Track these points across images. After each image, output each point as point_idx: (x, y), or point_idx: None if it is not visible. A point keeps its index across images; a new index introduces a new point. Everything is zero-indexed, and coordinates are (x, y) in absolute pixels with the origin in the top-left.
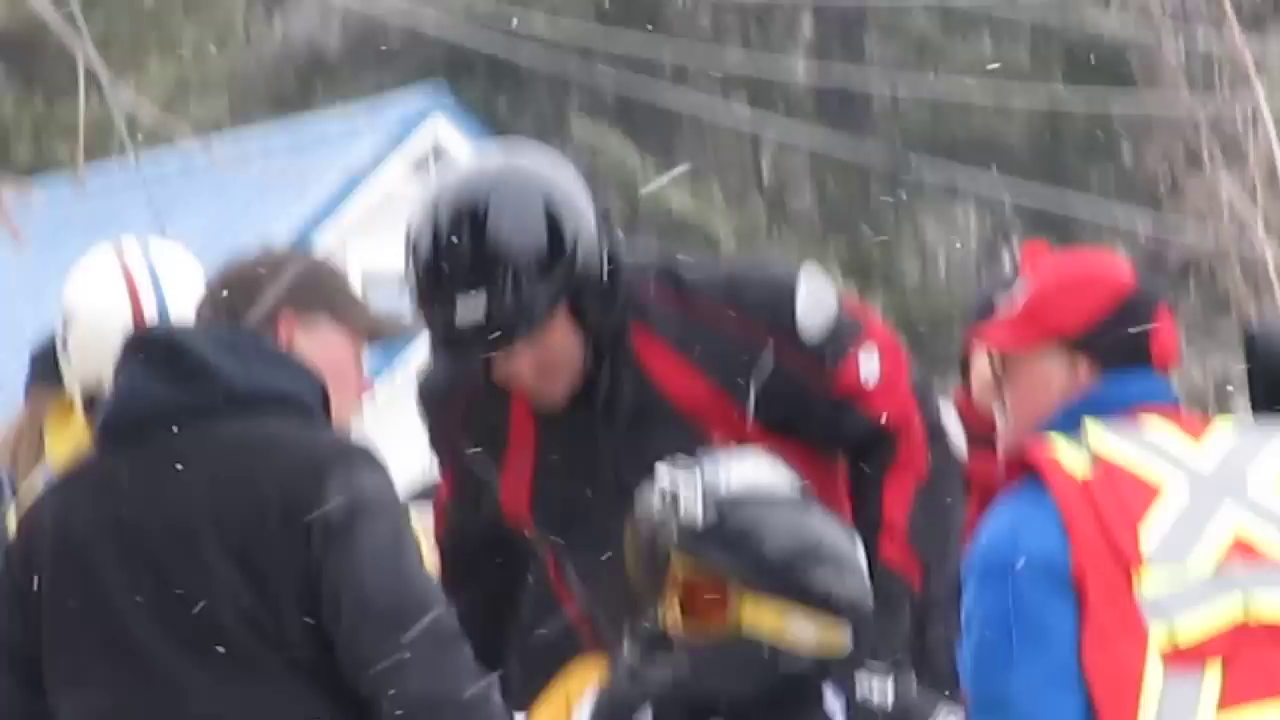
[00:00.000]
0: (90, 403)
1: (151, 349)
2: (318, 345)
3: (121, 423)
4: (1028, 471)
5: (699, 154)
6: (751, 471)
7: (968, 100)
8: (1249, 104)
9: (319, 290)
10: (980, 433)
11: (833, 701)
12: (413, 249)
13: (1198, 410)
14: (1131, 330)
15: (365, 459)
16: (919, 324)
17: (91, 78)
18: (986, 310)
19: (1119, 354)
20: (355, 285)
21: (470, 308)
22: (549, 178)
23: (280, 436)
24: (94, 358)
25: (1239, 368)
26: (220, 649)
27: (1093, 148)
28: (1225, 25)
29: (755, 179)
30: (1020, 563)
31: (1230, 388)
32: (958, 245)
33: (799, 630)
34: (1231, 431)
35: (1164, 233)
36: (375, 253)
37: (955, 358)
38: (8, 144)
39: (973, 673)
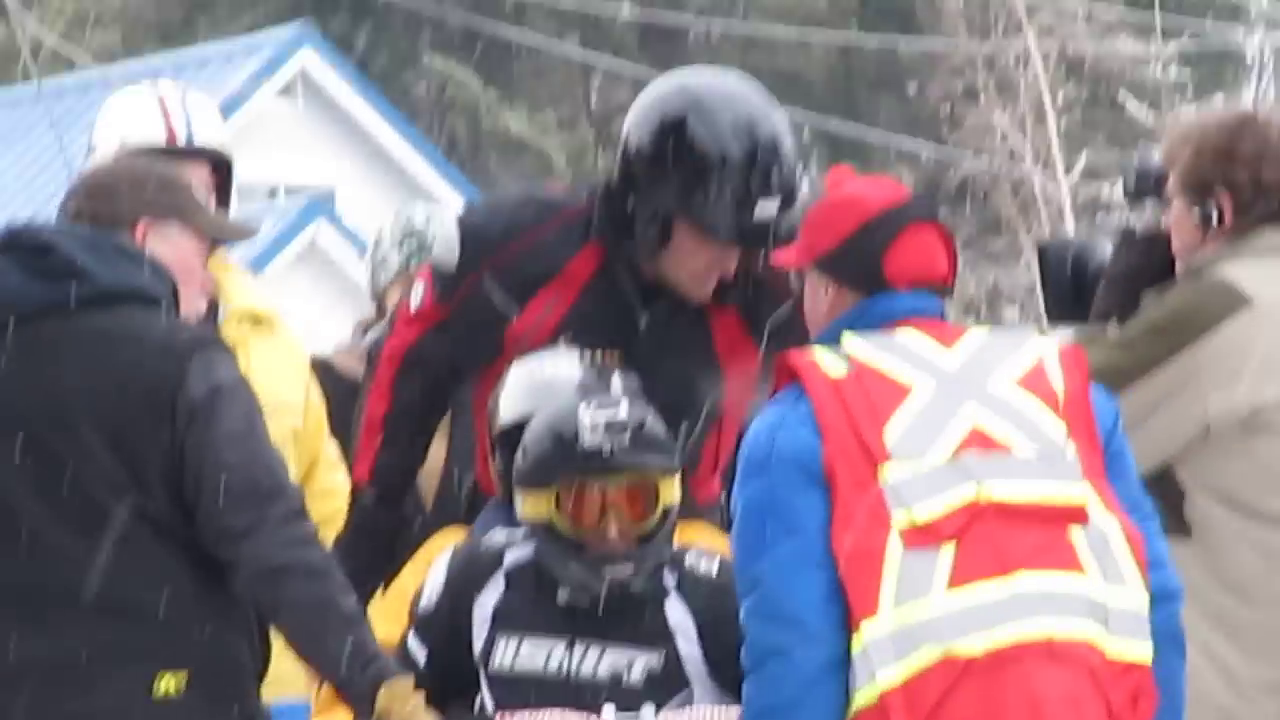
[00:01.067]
0: None
1: (23, 248)
2: (169, 247)
3: None
4: (790, 377)
5: (536, 85)
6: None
7: (773, 39)
8: (1020, 46)
9: (170, 199)
10: None
11: (667, 572)
12: (722, 150)
13: (970, 317)
14: (866, 251)
15: (218, 348)
16: None
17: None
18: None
19: (854, 274)
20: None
21: (765, 210)
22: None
23: (143, 327)
24: (117, 132)
25: (1009, 279)
26: (91, 516)
27: (882, 84)
28: None
29: (585, 107)
30: (775, 458)
31: (1002, 298)
32: None
33: (676, 489)
34: (981, 337)
35: (944, 160)
36: (249, 166)
37: None
38: None
39: (736, 558)
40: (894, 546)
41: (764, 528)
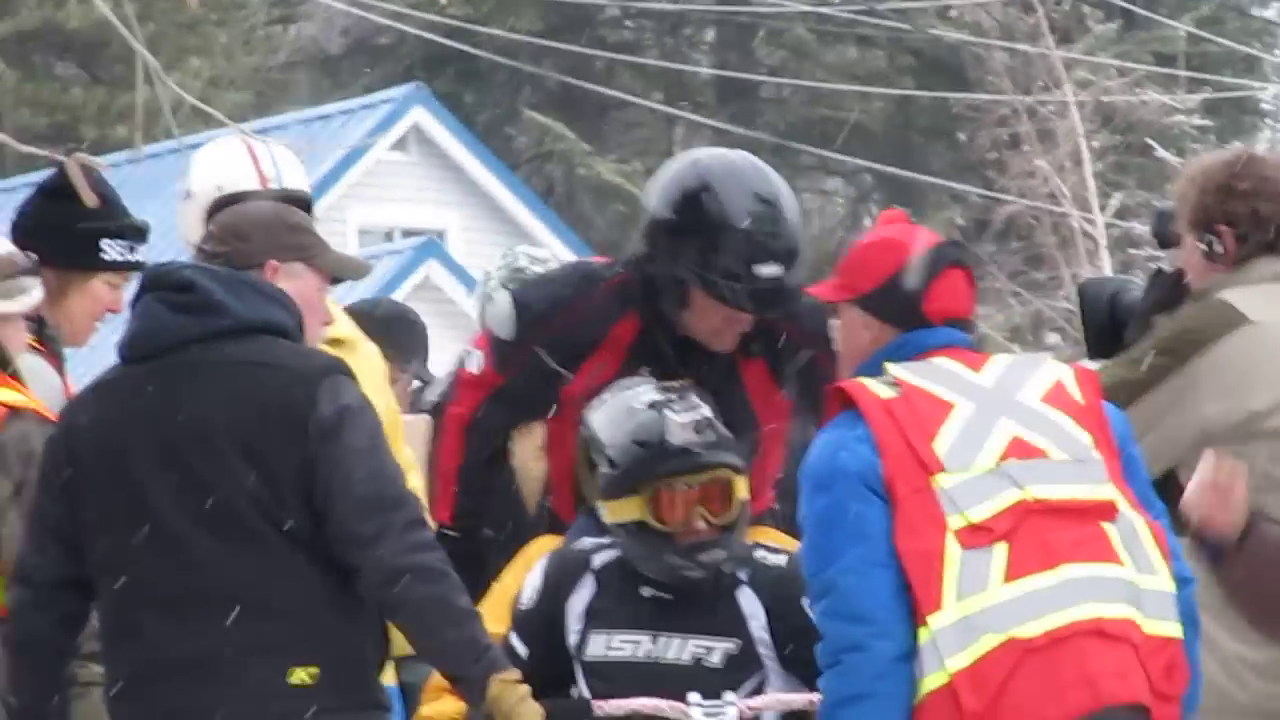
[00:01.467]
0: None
1: (168, 285)
2: (295, 284)
3: (144, 345)
4: (843, 403)
5: (624, 137)
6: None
7: (837, 94)
8: (1059, 99)
9: (297, 240)
10: None
11: (740, 569)
12: (724, 218)
13: (1016, 343)
14: (905, 291)
15: (345, 373)
16: None
17: (146, 72)
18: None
19: (896, 311)
20: (351, 237)
21: (767, 273)
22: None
23: (276, 355)
24: (214, 179)
25: (1050, 308)
26: (233, 527)
27: (936, 133)
28: (1040, 37)
29: (669, 157)
30: (839, 474)
31: (1045, 325)
32: (828, 209)
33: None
34: (1005, 361)
35: (991, 201)
36: (368, 212)
37: None
38: (77, 126)
39: (808, 567)
40: (952, 546)
41: (833, 537)
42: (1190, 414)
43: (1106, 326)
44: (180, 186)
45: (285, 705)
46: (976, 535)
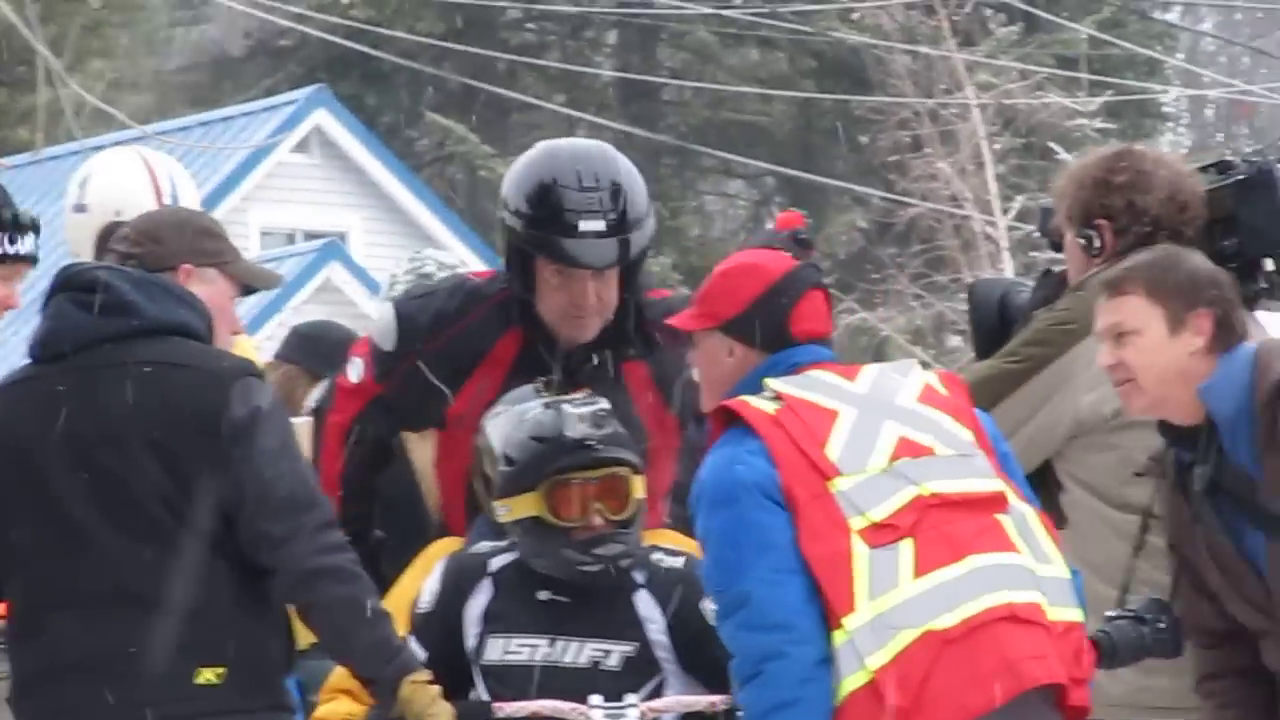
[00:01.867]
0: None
1: (78, 285)
2: (207, 289)
3: (54, 345)
4: (728, 421)
5: (526, 138)
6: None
7: (740, 96)
8: (960, 102)
9: (211, 246)
10: None
11: (636, 571)
12: (557, 183)
13: (919, 346)
14: (771, 314)
15: (258, 375)
16: (700, 274)
17: (48, 73)
18: None
19: (763, 334)
20: (253, 239)
21: (594, 229)
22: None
23: (189, 356)
24: (113, 202)
25: (953, 311)
26: (142, 526)
27: (837, 135)
28: (942, 39)
29: None
30: (739, 488)
31: (947, 327)
32: (730, 212)
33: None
34: (874, 370)
35: (893, 203)
36: (270, 214)
37: None
38: None
39: (716, 583)
40: (859, 547)
41: (740, 550)
42: (1065, 405)
43: (995, 328)
44: (70, 196)
45: (192, 706)
46: (881, 533)
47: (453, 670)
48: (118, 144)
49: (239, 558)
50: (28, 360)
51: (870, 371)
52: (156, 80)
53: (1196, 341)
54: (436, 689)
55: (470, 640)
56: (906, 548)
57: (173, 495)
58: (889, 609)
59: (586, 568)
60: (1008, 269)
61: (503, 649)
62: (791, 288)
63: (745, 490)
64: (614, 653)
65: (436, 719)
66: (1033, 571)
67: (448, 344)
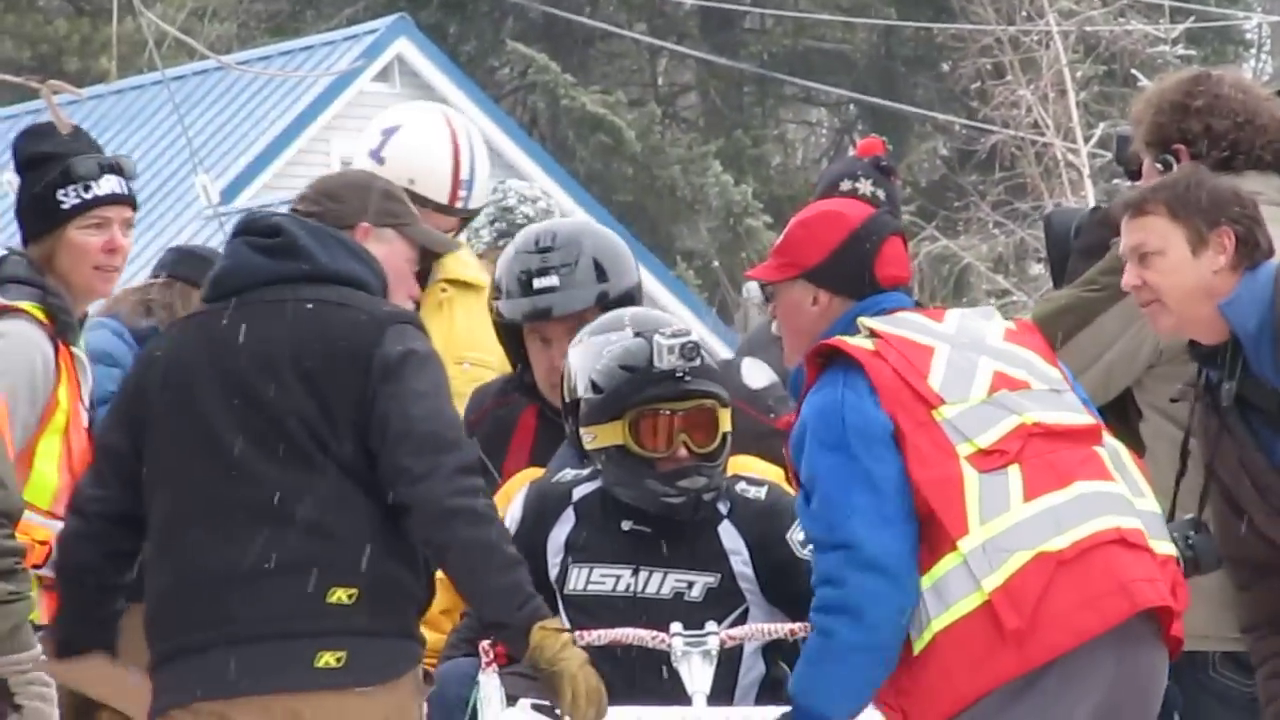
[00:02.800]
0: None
1: (256, 230)
2: (384, 249)
3: (225, 284)
4: (825, 362)
5: (608, 68)
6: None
7: (820, 24)
8: (1042, 28)
9: (391, 208)
10: None
11: (719, 501)
12: (517, 251)
13: (1001, 273)
14: (857, 260)
15: (415, 323)
16: (781, 202)
17: (128, 3)
18: (830, 191)
19: (849, 280)
20: (335, 168)
21: (545, 285)
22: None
23: (351, 299)
24: (411, 169)
25: (1034, 239)
26: (288, 449)
27: (919, 63)
28: None
29: (653, 87)
30: (850, 432)
31: (1029, 254)
32: (812, 140)
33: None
34: (958, 314)
35: (975, 131)
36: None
37: None
38: (60, 58)
39: (823, 524)
40: (969, 471)
41: (850, 493)
42: (1145, 332)
43: (1071, 257)
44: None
45: (322, 623)
46: (990, 459)
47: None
48: (198, 74)
49: (378, 491)
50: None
51: (954, 314)
52: (237, 9)
53: (1219, 260)
54: (568, 635)
55: (553, 569)
56: (1015, 472)
57: (319, 423)
58: (1000, 532)
59: (670, 499)
60: (1090, 196)
61: (586, 579)
62: (874, 233)
63: (856, 435)
64: (697, 584)
65: (568, 664)
66: (1131, 502)
67: (477, 429)
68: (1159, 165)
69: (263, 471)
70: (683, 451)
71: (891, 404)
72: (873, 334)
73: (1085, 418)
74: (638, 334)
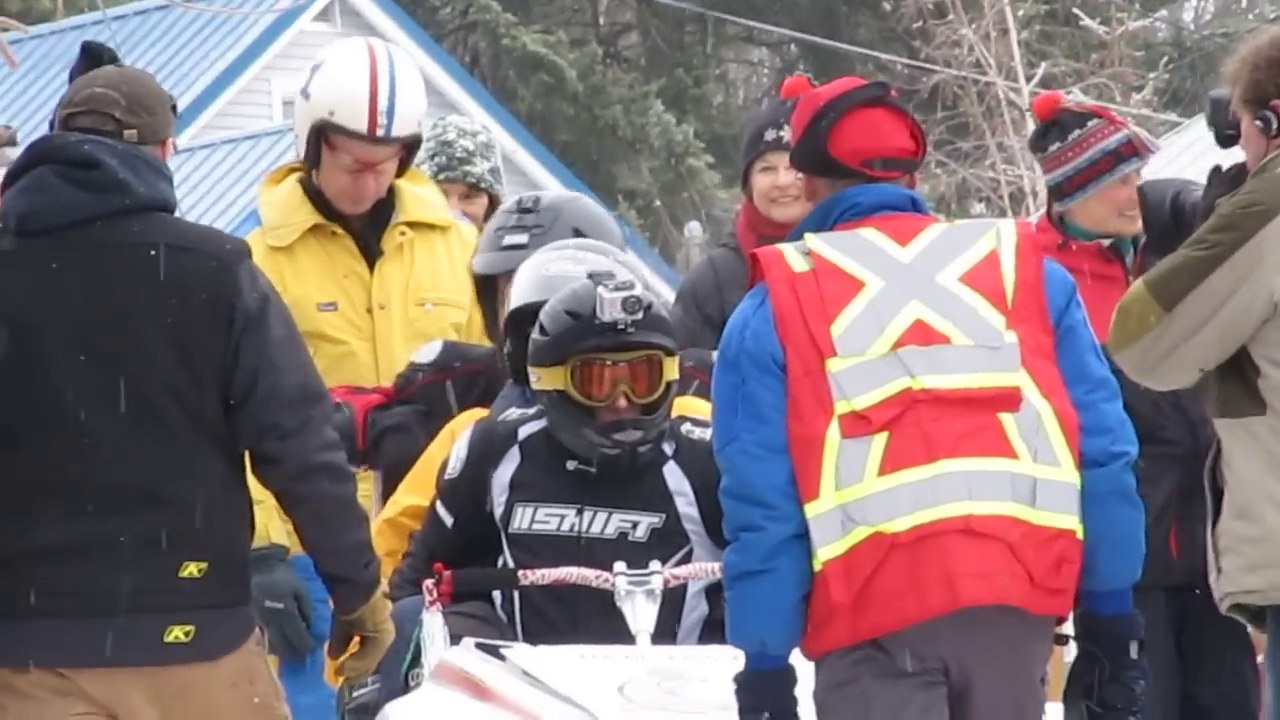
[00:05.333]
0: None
1: (67, 159)
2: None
3: (40, 219)
4: (760, 272)
5: (549, 7)
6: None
7: None
8: None
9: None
10: (764, 235)
11: (665, 442)
12: (498, 213)
13: (942, 212)
14: (812, 137)
15: (251, 259)
16: (723, 141)
17: None
18: (755, 138)
19: (810, 161)
20: (276, 108)
21: (519, 239)
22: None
23: (191, 237)
24: (330, 101)
25: (976, 178)
26: (144, 414)
27: (861, 1)
28: None
29: (594, 27)
30: (743, 355)
31: (971, 194)
32: (754, 80)
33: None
34: (936, 233)
35: (917, 70)
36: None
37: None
38: None
39: (715, 442)
40: (833, 434)
41: (734, 416)
42: (1259, 287)
43: (1169, 227)
44: (303, 78)
45: (174, 598)
46: (857, 424)
47: (478, 536)
48: (139, 13)
49: (231, 449)
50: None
51: (931, 234)
52: None
53: None
54: (390, 607)
55: (498, 508)
56: (879, 442)
57: (183, 384)
58: (850, 501)
59: (605, 450)
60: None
61: (530, 518)
62: (835, 107)
63: (749, 359)
64: (641, 524)
65: (389, 634)
66: (1025, 476)
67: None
68: (1258, 122)
69: (115, 440)
70: (622, 402)
71: (787, 340)
72: (809, 253)
73: (1004, 378)
74: (590, 276)
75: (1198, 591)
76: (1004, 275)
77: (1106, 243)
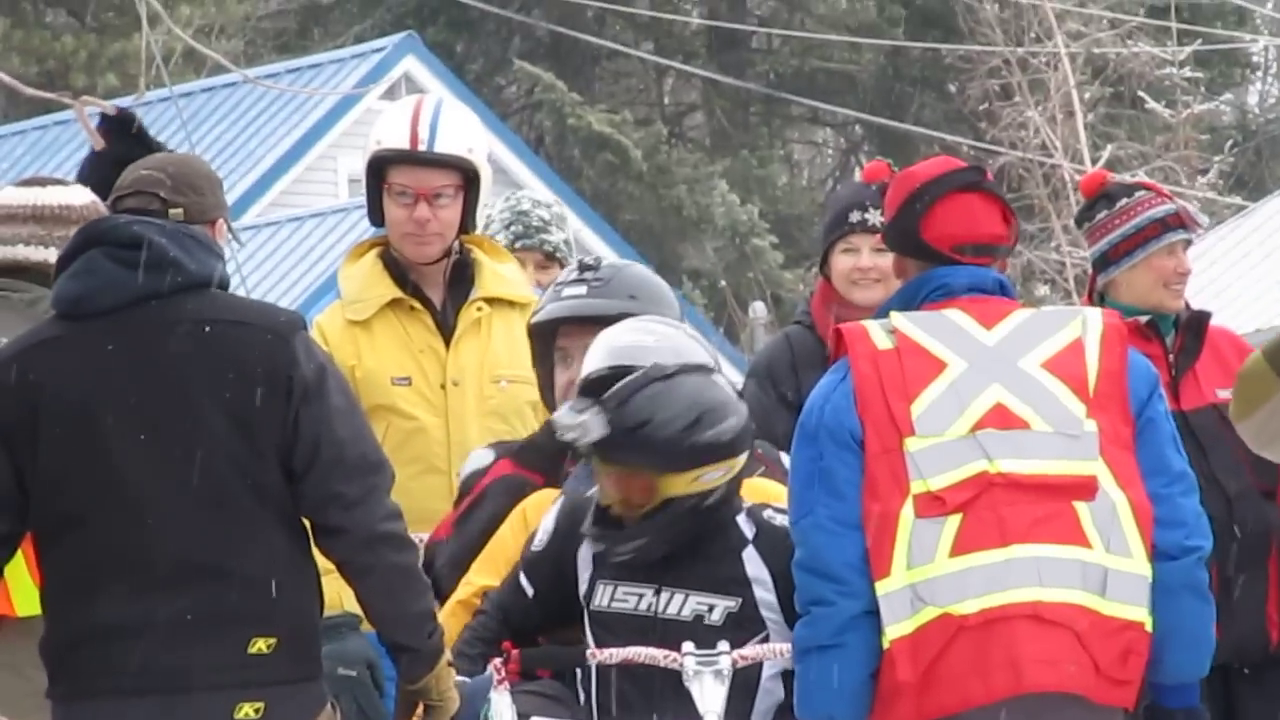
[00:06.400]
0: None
1: (115, 240)
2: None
3: (92, 302)
4: (842, 347)
5: (615, 87)
6: (629, 354)
7: (827, 44)
8: (1051, 50)
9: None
10: (841, 315)
11: (746, 526)
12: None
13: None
14: (906, 219)
15: (305, 324)
16: (787, 222)
17: (134, 21)
18: (839, 219)
19: (902, 242)
20: (341, 185)
21: (577, 290)
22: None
23: (241, 310)
24: (378, 131)
25: (1040, 260)
26: (206, 489)
27: (927, 84)
28: None
29: (659, 107)
30: (822, 429)
31: (1035, 276)
32: (818, 161)
33: (711, 478)
34: (1021, 318)
35: (983, 153)
36: (358, 161)
37: (817, 246)
38: (67, 74)
39: (790, 516)
40: (908, 512)
41: (811, 490)
42: None
43: None
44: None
45: (244, 675)
46: (932, 504)
47: (553, 613)
48: (205, 90)
49: (294, 521)
50: (53, 317)
51: (1017, 319)
52: (244, 26)
53: None
54: (454, 673)
55: (582, 584)
56: (952, 523)
57: (244, 457)
58: (920, 581)
59: (613, 557)
60: None
61: (610, 595)
62: (931, 190)
63: (828, 434)
64: (718, 607)
65: (454, 703)
66: (1096, 565)
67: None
68: None
69: (178, 517)
70: (617, 509)
71: (866, 416)
72: (893, 330)
73: (1082, 466)
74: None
75: (1245, 670)
76: (1087, 363)
77: (1145, 320)
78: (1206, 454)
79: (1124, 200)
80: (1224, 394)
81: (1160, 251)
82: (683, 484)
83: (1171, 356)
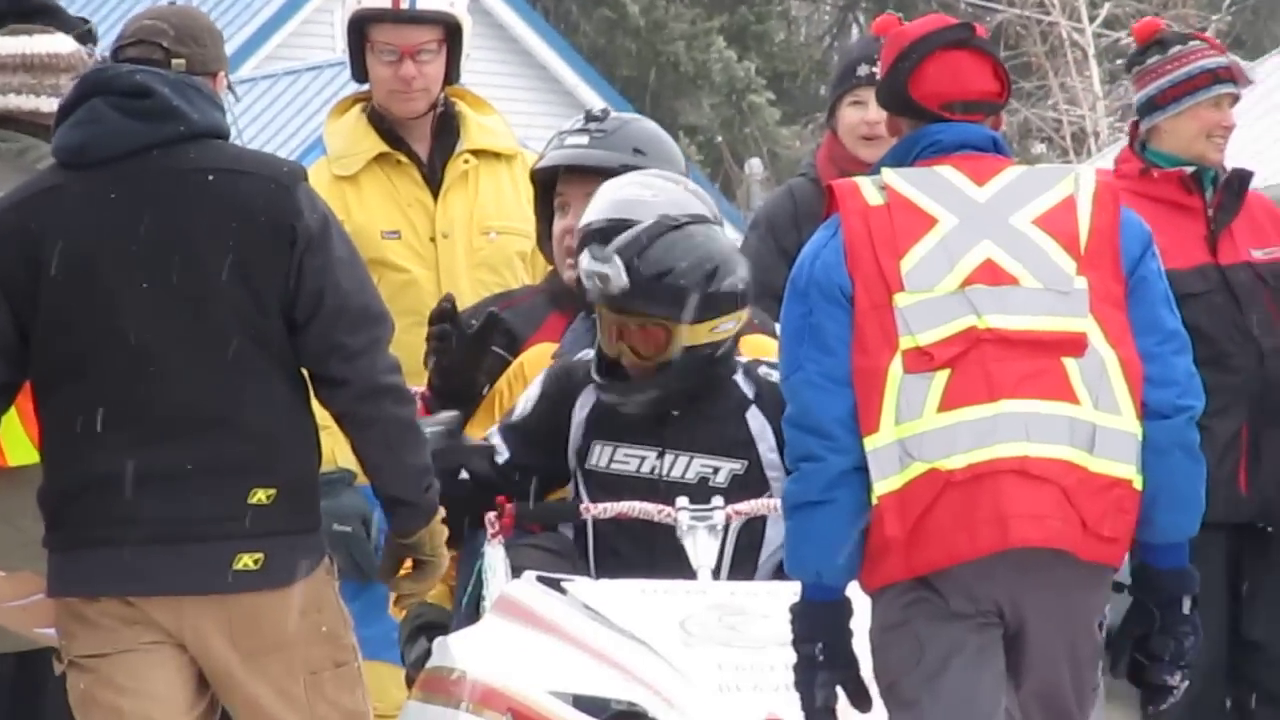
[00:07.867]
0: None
1: (120, 89)
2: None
3: (95, 150)
4: (834, 202)
5: None
6: (647, 203)
7: None
8: None
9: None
10: (846, 169)
11: (745, 385)
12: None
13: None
14: (894, 78)
15: (307, 179)
16: (784, 78)
17: None
18: (847, 72)
19: (892, 101)
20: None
21: (579, 139)
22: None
23: (244, 161)
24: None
25: (1037, 118)
26: (209, 340)
27: None
28: None
29: None
30: (812, 284)
31: (1032, 133)
32: (815, 17)
33: (724, 329)
34: (1013, 175)
35: (980, 8)
36: None
37: (814, 103)
38: None
39: (780, 371)
40: (896, 368)
41: (800, 346)
42: None
43: None
44: None
45: (243, 526)
46: (920, 360)
47: (546, 473)
48: None
49: (295, 373)
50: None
51: (1009, 176)
52: None
53: None
54: (446, 531)
55: (574, 443)
56: (940, 378)
57: (246, 306)
58: (909, 436)
59: (621, 408)
60: (1094, 75)
61: (610, 456)
62: (918, 49)
63: (818, 289)
64: (723, 469)
65: (445, 559)
66: (1085, 422)
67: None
68: None
69: (181, 368)
70: (627, 360)
71: (856, 272)
72: (884, 187)
73: (1071, 323)
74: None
75: (1269, 529)
76: (1079, 221)
77: (1189, 170)
78: (1243, 309)
79: (1178, 47)
80: (1258, 254)
81: (1207, 102)
82: (700, 334)
83: (1211, 211)
